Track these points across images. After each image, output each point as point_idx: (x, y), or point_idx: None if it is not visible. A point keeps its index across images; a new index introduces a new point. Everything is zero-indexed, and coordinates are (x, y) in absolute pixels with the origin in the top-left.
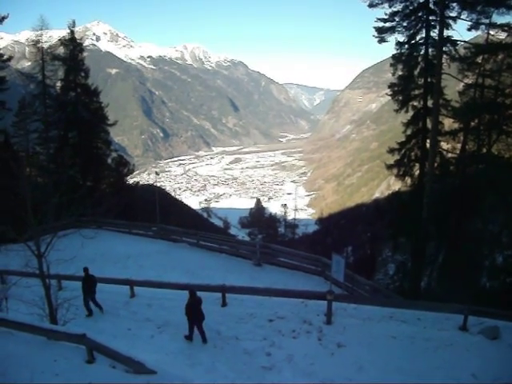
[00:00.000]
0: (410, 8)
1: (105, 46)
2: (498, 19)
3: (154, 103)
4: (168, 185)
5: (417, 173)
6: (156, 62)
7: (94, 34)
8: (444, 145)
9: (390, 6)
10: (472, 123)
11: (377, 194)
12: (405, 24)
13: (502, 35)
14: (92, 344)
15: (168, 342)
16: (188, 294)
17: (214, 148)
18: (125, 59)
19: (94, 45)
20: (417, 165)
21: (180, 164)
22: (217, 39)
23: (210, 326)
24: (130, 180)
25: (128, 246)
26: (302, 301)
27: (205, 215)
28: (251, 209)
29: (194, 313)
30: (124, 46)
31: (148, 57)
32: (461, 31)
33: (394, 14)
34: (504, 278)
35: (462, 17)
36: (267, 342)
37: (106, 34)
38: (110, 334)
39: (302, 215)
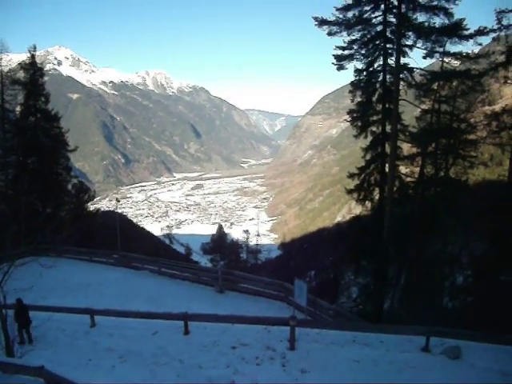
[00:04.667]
0: (368, 36)
1: (66, 70)
2: (452, 48)
3: (115, 129)
4: (129, 211)
5: (377, 197)
6: (118, 88)
7: (55, 58)
8: (403, 169)
9: (349, 35)
10: (429, 148)
11: (338, 218)
12: (363, 52)
13: (456, 63)
14: (50, 376)
15: (130, 372)
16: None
17: (175, 174)
18: (86, 84)
19: (56, 69)
20: (376, 189)
21: (141, 190)
22: (179, 65)
23: (172, 354)
24: (91, 207)
25: (88, 275)
26: (265, 327)
27: (167, 242)
28: (213, 235)
29: (22, 319)
30: (86, 71)
31: (110, 82)
32: (417, 59)
33: (352, 42)
34: (464, 298)
35: (417, 45)
36: (230, 369)
37: (67, 58)
38: (70, 365)
39: (264, 240)
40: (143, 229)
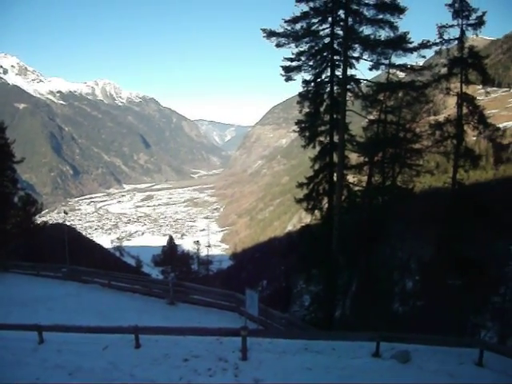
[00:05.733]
0: (316, 48)
1: (13, 79)
2: (397, 60)
3: (63, 139)
4: (78, 224)
5: (326, 206)
6: (66, 98)
7: (1, 67)
8: (351, 178)
9: (297, 46)
10: (376, 157)
11: (289, 228)
12: (311, 63)
13: (402, 74)
14: None
15: None
16: None
17: (125, 185)
18: (34, 94)
19: (1, 78)
20: (325, 198)
21: (91, 202)
22: (129, 75)
23: (123, 369)
24: (39, 219)
25: (36, 289)
26: (217, 338)
27: (117, 254)
28: (164, 246)
29: None
30: (33, 80)
31: (58, 92)
32: (363, 70)
33: (300, 53)
34: (414, 302)
35: (364, 57)
36: (183, 382)
37: (13, 66)
38: None
39: (215, 251)
40: (93, 241)
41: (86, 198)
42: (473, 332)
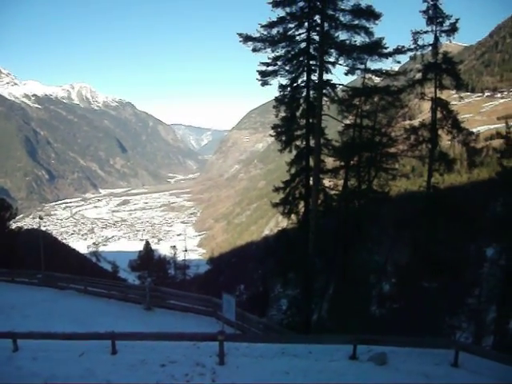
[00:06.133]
0: (292, 53)
1: None
2: (372, 65)
3: (38, 144)
4: (54, 229)
5: (302, 210)
6: (41, 101)
7: None
8: (327, 182)
9: (273, 51)
10: (352, 161)
11: (266, 232)
12: (287, 68)
13: (377, 79)
14: None
15: None
16: None
17: (101, 190)
18: (8, 97)
19: None
20: (302, 202)
21: (66, 207)
22: (105, 79)
23: (100, 376)
24: (13, 225)
25: (11, 296)
26: (194, 343)
27: (93, 259)
28: (140, 251)
29: None
30: (7, 83)
31: (33, 95)
32: (339, 75)
33: (276, 58)
34: (390, 305)
35: (339, 62)
36: None
37: None
38: None
39: (192, 256)
40: (68, 247)
41: (61, 203)
42: (448, 333)
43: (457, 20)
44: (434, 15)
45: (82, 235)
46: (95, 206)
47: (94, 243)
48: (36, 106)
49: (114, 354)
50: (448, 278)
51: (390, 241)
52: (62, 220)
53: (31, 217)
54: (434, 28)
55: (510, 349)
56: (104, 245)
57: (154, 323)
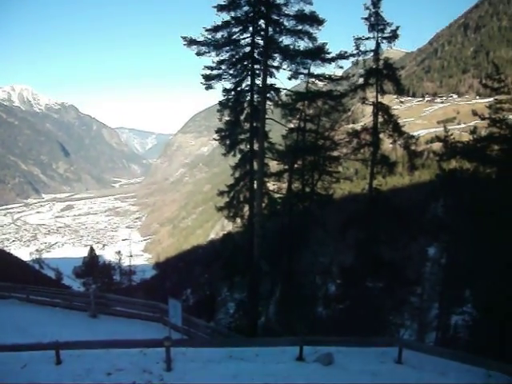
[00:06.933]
0: (236, 57)
1: None
2: (315, 70)
3: None
4: None
5: (247, 213)
6: None
7: None
8: (271, 185)
9: (217, 55)
10: (296, 164)
11: (212, 236)
12: (231, 72)
13: (320, 84)
14: None
15: None
16: None
17: (44, 195)
18: None
19: None
20: (246, 206)
21: (7, 213)
22: (47, 80)
23: None
24: None
25: None
26: (141, 350)
27: (36, 267)
28: (85, 257)
29: None
30: None
31: None
32: (283, 80)
33: (220, 62)
34: (336, 306)
35: (283, 67)
36: None
37: None
38: None
39: (138, 261)
40: (10, 254)
41: (2, 209)
42: (392, 331)
43: (397, 27)
44: (376, 22)
45: (25, 242)
46: (38, 212)
47: (36, 250)
48: None
49: (59, 364)
50: (391, 277)
51: (334, 243)
52: (2, 226)
53: None
54: (375, 34)
55: (451, 344)
56: (47, 251)
57: (100, 331)
